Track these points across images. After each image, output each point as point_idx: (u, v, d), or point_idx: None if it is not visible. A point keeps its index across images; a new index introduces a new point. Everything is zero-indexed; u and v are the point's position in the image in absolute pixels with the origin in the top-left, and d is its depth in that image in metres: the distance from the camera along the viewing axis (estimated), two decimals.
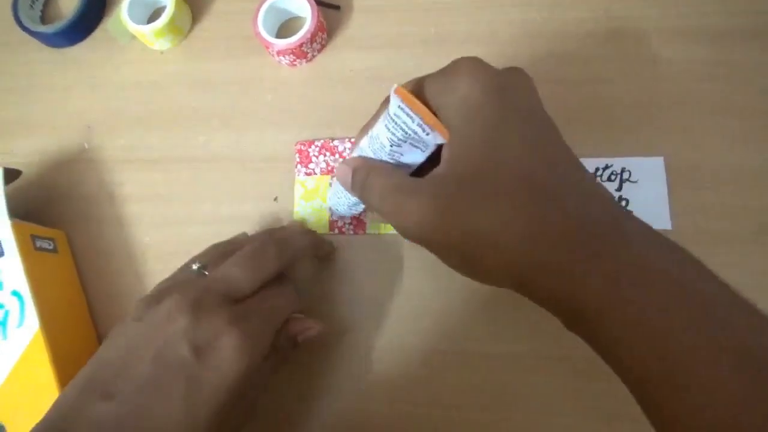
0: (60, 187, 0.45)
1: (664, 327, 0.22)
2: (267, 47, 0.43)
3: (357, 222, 0.40)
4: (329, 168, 0.41)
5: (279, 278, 0.34)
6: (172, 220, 0.43)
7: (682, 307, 0.22)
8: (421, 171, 0.29)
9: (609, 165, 0.38)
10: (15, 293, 0.37)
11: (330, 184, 0.40)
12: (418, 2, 0.44)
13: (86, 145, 0.46)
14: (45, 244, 0.41)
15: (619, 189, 0.37)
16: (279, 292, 0.33)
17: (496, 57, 0.41)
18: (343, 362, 0.38)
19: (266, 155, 0.43)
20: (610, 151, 0.38)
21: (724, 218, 0.36)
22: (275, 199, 0.42)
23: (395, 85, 0.27)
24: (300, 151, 0.42)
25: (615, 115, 0.39)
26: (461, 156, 0.26)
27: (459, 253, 0.26)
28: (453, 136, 0.27)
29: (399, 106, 0.26)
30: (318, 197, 0.41)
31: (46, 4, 0.51)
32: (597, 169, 0.38)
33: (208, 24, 0.47)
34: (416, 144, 0.28)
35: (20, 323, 0.37)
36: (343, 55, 0.44)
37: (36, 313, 0.37)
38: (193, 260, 0.34)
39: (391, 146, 0.28)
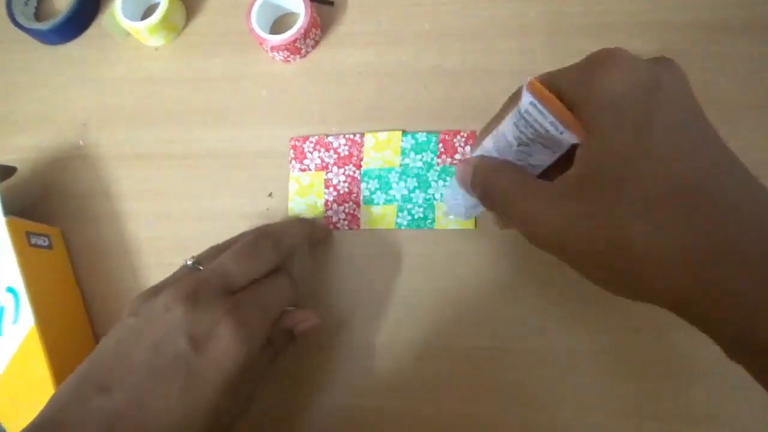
0: (55, 184, 0.45)
1: None
2: (261, 43, 0.43)
3: (351, 217, 0.40)
4: (324, 164, 0.41)
5: (276, 270, 0.34)
6: (168, 216, 0.43)
7: None
8: (545, 174, 0.27)
9: None
10: (10, 290, 0.38)
11: (446, 184, 0.39)
12: None
13: (81, 142, 0.46)
14: (40, 241, 0.41)
15: None
16: (275, 283, 0.33)
17: (489, 51, 0.41)
18: (338, 358, 0.38)
19: (261, 151, 0.43)
20: None
21: None
22: (270, 194, 0.42)
23: (528, 78, 0.24)
24: (294, 147, 0.42)
25: None
26: (606, 159, 0.23)
27: (607, 267, 0.23)
28: (594, 137, 0.23)
29: (531, 102, 0.24)
30: (313, 193, 0.41)
31: (40, 1, 0.50)
32: None
33: (202, 20, 0.47)
34: (547, 144, 0.25)
35: (15, 320, 0.37)
36: (336, 51, 0.44)
37: (31, 309, 0.37)
38: (188, 259, 0.34)
39: (518, 145, 0.26)
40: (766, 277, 0.20)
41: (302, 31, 0.42)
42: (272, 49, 0.42)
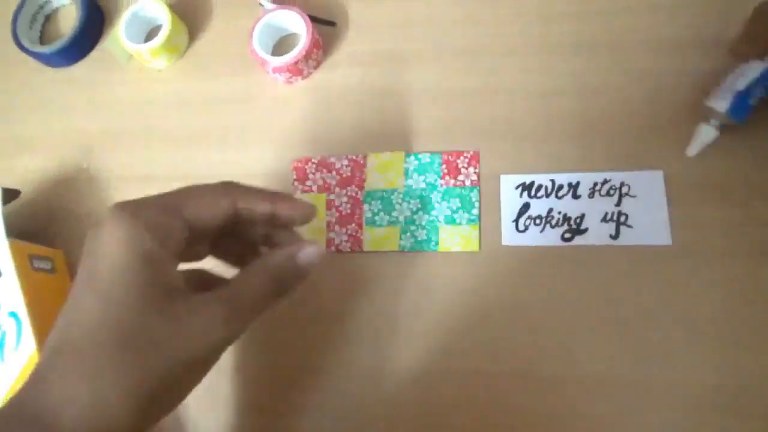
0: (59, 206, 0.45)
1: None
2: (262, 65, 0.43)
3: (353, 239, 0.39)
4: (326, 185, 0.41)
5: None
6: None
7: None
8: None
9: (608, 179, 0.37)
10: (12, 314, 0.37)
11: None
12: (413, 18, 0.44)
13: (85, 164, 0.46)
14: (43, 264, 0.41)
15: (618, 204, 0.37)
16: None
17: (491, 70, 0.41)
18: (338, 381, 0.37)
19: (263, 173, 0.42)
20: (608, 165, 0.38)
21: (725, 233, 0.35)
22: None
23: None
24: (297, 168, 0.42)
25: (613, 128, 0.38)
26: None
27: None
28: None
29: None
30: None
31: (45, 24, 0.51)
32: (596, 184, 0.37)
33: (204, 42, 0.47)
34: None
35: (17, 345, 0.37)
36: (339, 72, 0.44)
37: (33, 335, 0.37)
38: None
39: None
40: None
41: (304, 52, 0.42)
42: (274, 70, 0.42)
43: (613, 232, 0.36)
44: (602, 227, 0.36)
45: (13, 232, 0.39)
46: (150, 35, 0.48)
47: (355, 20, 0.45)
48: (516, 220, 0.38)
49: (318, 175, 0.41)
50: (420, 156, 0.40)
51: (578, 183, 0.38)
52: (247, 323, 0.28)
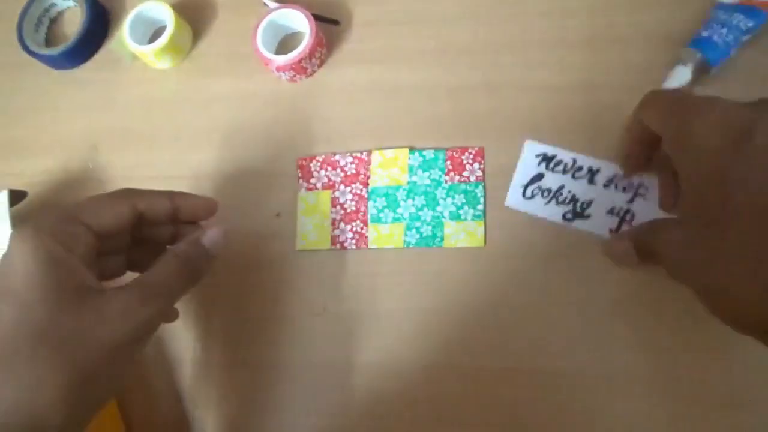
0: None
1: None
2: (266, 64, 0.43)
3: (359, 236, 0.40)
4: (330, 182, 0.41)
5: None
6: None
7: None
8: None
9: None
10: None
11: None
12: (417, 15, 0.44)
13: (91, 165, 0.46)
14: None
15: (630, 201, 0.36)
16: None
17: (495, 66, 0.41)
18: (344, 377, 0.37)
19: (268, 171, 0.43)
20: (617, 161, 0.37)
21: None
22: (278, 215, 0.41)
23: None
24: (302, 167, 0.42)
25: (621, 124, 0.38)
26: (694, 204, 0.27)
27: (702, 298, 0.27)
28: (687, 184, 0.28)
29: None
30: (320, 212, 0.41)
31: (50, 27, 0.51)
32: (615, 176, 0.36)
33: (209, 42, 0.47)
34: None
35: None
36: (343, 70, 0.44)
37: None
38: None
39: None
40: None
41: (307, 50, 0.42)
42: (278, 69, 0.42)
43: (615, 227, 0.36)
44: (605, 219, 0.36)
45: None
46: (154, 36, 0.48)
47: (358, 18, 0.45)
48: (525, 186, 0.38)
49: (323, 172, 0.41)
50: (424, 152, 0.40)
51: (599, 170, 0.37)
52: (165, 304, 0.30)
